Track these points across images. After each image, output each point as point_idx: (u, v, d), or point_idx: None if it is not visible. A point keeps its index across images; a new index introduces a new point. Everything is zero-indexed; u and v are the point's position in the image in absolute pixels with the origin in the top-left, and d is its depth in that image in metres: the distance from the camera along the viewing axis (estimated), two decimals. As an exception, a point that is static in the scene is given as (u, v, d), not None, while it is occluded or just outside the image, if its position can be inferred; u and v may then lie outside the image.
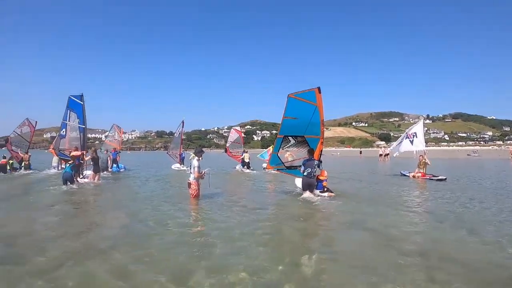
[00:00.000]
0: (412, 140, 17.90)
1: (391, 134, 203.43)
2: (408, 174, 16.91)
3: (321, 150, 10.67)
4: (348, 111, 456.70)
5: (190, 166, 9.43)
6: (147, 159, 50.63)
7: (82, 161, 14.30)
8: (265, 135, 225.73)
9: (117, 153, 21.78)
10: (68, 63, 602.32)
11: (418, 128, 17.93)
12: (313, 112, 10.36)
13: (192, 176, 9.22)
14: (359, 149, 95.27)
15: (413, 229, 6.22)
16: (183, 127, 24.64)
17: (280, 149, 11.34)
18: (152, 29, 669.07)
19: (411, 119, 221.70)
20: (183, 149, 25.54)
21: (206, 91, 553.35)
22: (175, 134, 26.79)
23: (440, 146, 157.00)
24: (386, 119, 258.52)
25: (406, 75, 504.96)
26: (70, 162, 13.26)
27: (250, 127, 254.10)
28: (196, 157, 9.46)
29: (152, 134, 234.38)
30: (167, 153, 26.61)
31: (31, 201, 10.04)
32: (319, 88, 10.22)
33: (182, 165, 23.10)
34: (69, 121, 15.37)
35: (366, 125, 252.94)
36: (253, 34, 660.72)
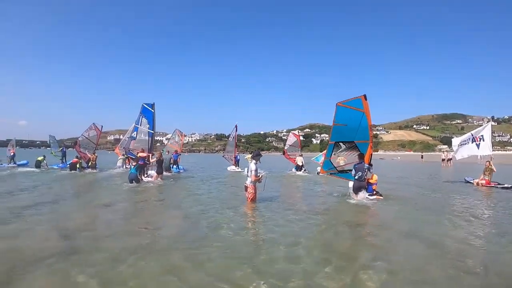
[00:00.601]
0: (479, 143, 16.57)
1: (454, 138, 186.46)
2: (472, 181, 15.73)
3: (371, 154, 10.99)
4: (409, 113, 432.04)
5: (248, 169, 9.35)
6: (205, 161, 52.70)
7: (148, 162, 15.81)
8: (324, 138, 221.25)
9: (178, 155, 23.41)
10: (136, 69, 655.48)
11: (486, 131, 16.49)
12: (360, 118, 10.84)
13: (249, 179, 9.17)
14: (420, 153, 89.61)
15: (475, 242, 5.72)
16: (236, 131, 25.83)
17: (332, 155, 11.94)
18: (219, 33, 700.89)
19: (475, 121, 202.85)
20: (238, 152, 26.70)
21: (264, 95, 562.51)
22: (230, 138, 28.23)
23: (506, 150, 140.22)
24: (448, 122, 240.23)
25: (470, 75, 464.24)
26: (134, 163, 14.76)
27: (309, 130, 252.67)
28: (254, 161, 9.43)
29: (212, 136, 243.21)
30: (223, 156, 28.28)
31: (94, 198, 10.78)
32: (365, 96, 10.72)
33: (237, 167, 24.35)
34: (140, 125, 17.20)
35: (428, 128, 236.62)
36: (317, 36, 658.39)
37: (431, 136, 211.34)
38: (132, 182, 13.61)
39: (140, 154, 15.40)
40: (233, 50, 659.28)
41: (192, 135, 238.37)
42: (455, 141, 18.75)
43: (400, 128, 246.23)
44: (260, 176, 9.35)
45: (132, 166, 14.46)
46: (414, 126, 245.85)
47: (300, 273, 4.07)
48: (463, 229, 6.66)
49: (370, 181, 10.60)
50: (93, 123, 23.51)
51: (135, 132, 17.37)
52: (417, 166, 40.47)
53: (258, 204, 9.11)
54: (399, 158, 77.58)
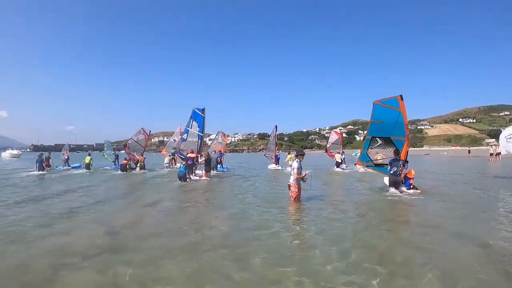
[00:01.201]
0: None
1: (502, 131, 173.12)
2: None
3: (407, 151, 11.42)
4: (454, 105, 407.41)
5: (291, 167, 9.29)
6: (247, 160, 53.56)
7: (196, 162, 17.02)
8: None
9: (222, 155, 24.65)
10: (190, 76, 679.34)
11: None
12: (397, 116, 11.50)
13: (292, 178, 9.09)
14: (467, 148, 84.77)
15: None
16: (276, 131, 26.70)
17: (369, 149, 12.71)
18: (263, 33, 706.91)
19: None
20: (279, 151, 27.58)
21: (307, 92, 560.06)
22: (270, 137, 29.21)
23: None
24: (496, 114, 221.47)
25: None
26: (184, 162, 15.94)
27: (352, 127, 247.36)
28: (297, 159, 9.29)
29: (255, 136, 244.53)
30: (264, 155, 29.43)
31: (143, 197, 11.25)
32: (401, 96, 11.38)
33: (277, 165, 25.26)
34: (191, 128, 18.52)
35: (474, 121, 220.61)
36: (351, 35, 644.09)
37: (478, 130, 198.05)
38: (181, 180, 14.81)
39: (190, 155, 16.62)
40: (276, 49, 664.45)
41: (235, 135, 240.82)
42: (504, 133, 18.08)
43: (445, 121, 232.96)
44: (304, 174, 9.12)
45: (182, 165, 15.66)
46: (460, 119, 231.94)
47: (351, 275, 3.90)
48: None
49: (408, 176, 11.08)
50: (142, 128, 25.46)
51: (185, 134, 18.74)
52: (464, 161, 38.76)
53: (302, 203, 9.00)
54: (445, 153, 74.12)
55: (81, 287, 3.71)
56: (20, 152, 70.84)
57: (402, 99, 11.35)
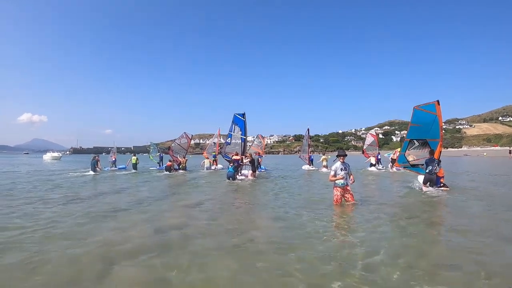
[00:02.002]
0: None
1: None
2: None
3: (440, 151, 12.42)
4: (493, 104, 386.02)
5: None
6: (283, 161, 54.16)
7: (242, 163, 18.35)
8: (404, 135, 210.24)
9: (260, 156, 26.04)
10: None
11: None
12: (433, 120, 12.55)
13: (340, 182, 8.70)
14: (508, 148, 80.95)
15: None
16: (308, 133, 28.22)
17: (407, 150, 13.63)
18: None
19: None
20: (313, 152, 28.75)
21: (342, 93, 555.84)
22: (304, 140, 30.57)
23: None
24: None
25: None
26: (231, 164, 17.28)
27: (388, 127, 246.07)
28: (337, 160, 9.03)
29: (290, 138, 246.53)
30: (299, 156, 30.82)
31: (186, 196, 11.44)
32: (438, 101, 12.45)
33: (311, 165, 26.65)
34: (233, 132, 19.98)
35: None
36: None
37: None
38: (230, 179, 16.20)
39: (235, 157, 18.01)
40: (309, 51, 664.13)
41: (271, 137, 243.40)
42: None
43: (485, 120, 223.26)
44: (341, 177, 8.66)
45: (230, 166, 17.05)
46: (500, 117, 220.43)
47: (403, 280, 3.72)
48: None
49: (439, 174, 11.89)
50: (184, 132, 27.03)
51: (229, 138, 20.26)
52: (505, 162, 37.65)
53: (343, 206, 8.62)
54: (485, 154, 71.56)
55: (131, 283, 3.76)
56: (61, 155, 74.51)
57: (439, 104, 12.41)
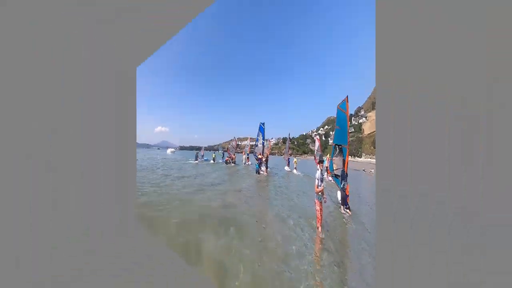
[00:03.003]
0: None
1: None
2: None
3: (347, 162, 9.57)
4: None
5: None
6: (275, 162, 57.83)
7: (262, 162, 24.51)
8: None
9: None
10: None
11: None
12: (346, 120, 9.92)
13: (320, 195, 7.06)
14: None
15: None
16: (289, 137, 33.58)
17: (333, 157, 10.90)
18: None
19: None
20: (291, 155, 34.31)
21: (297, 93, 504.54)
22: (286, 143, 35.29)
23: None
24: None
25: None
26: (257, 161, 23.63)
27: (328, 126, 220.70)
28: (318, 167, 7.31)
29: (280, 141, 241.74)
30: (284, 158, 36.70)
31: (236, 182, 15.30)
32: (347, 97, 10.05)
33: (289, 167, 30.67)
34: (259, 137, 26.53)
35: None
36: None
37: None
38: (256, 173, 22.42)
39: (259, 156, 24.44)
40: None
41: (270, 140, 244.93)
42: None
43: (373, 106, 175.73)
44: (322, 188, 6.86)
45: (257, 163, 23.38)
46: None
47: None
48: None
49: (346, 192, 9.15)
50: (234, 136, 37.51)
51: (256, 142, 26.86)
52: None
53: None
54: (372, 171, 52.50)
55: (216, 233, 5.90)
56: (174, 150, 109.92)
57: (348, 101, 9.99)
